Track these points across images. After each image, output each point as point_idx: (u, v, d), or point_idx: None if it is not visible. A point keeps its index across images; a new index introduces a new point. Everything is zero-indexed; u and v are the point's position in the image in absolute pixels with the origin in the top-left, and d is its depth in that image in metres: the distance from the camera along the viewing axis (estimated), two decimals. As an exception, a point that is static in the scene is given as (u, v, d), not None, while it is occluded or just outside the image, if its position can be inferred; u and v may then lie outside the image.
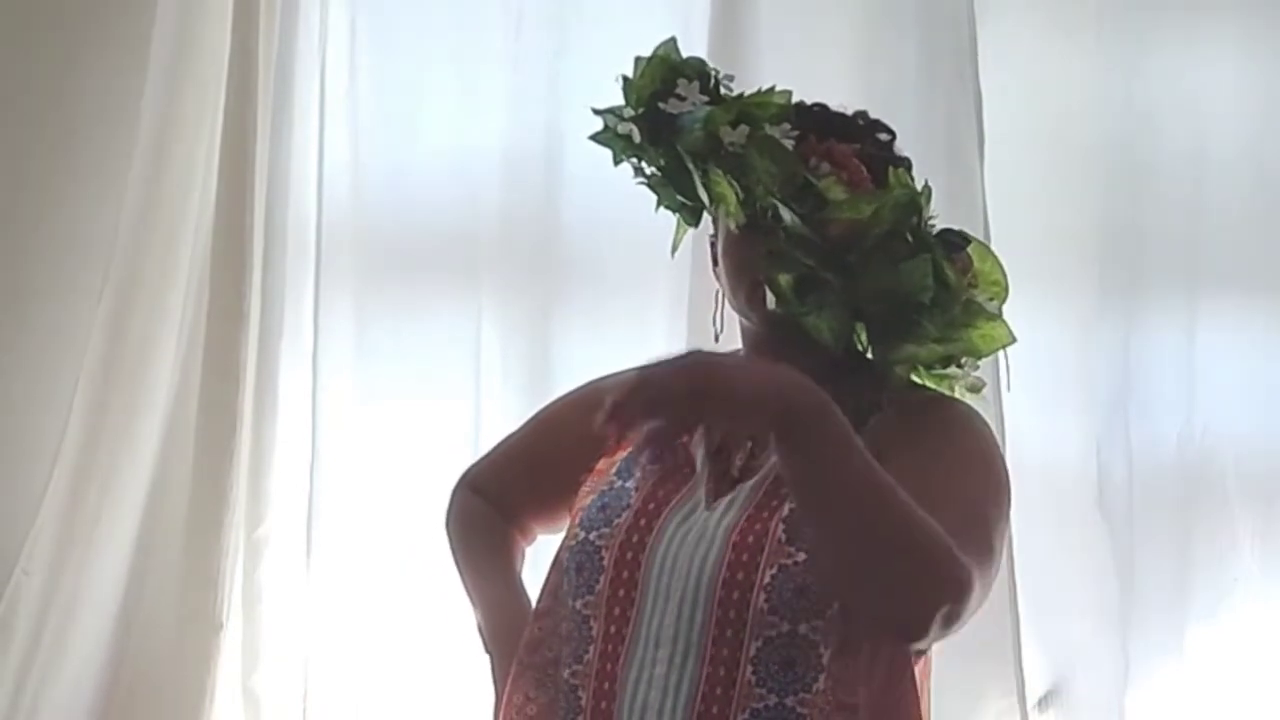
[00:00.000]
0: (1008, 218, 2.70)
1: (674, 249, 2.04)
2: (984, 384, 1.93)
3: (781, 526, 1.76)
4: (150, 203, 2.80)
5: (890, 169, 1.83)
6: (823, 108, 1.92)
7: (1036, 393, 2.69)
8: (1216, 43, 2.85)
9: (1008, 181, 2.74)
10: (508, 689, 1.89)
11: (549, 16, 2.84)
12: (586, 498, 1.89)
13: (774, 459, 1.80)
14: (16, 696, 2.74)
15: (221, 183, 2.77)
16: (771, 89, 1.89)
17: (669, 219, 2.03)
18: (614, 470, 1.90)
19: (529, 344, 2.82)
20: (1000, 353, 1.93)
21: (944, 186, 2.60)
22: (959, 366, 1.92)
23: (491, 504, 2.08)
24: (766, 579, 1.74)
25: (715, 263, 1.95)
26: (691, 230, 2.03)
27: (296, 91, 2.80)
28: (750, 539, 1.76)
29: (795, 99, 1.91)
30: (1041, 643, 2.74)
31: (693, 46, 1.99)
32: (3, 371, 2.88)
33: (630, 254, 2.74)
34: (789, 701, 1.72)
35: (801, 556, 1.74)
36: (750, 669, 1.73)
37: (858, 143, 1.87)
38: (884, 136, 1.92)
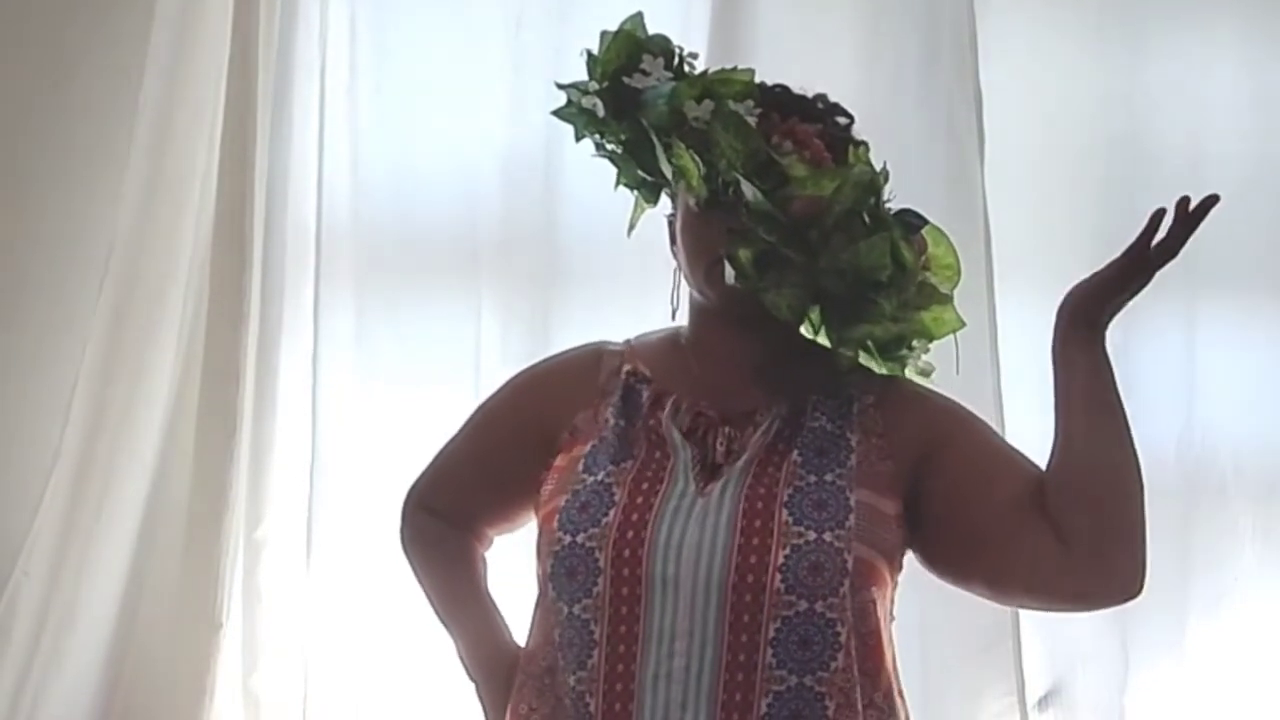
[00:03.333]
0: (1008, 217, 2.70)
1: (630, 228, 2.03)
2: (933, 368, 1.94)
3: (785, 511, 1.77)
4: (150, 202, 2.80)
5: (850, 147, 1.84)
6: (784, 89, 1.91)
7: (1036, 392, 2.68)
8: (1217, 41, 2.85)
9: (1008, 180, 2.74)
10: (512, 700, 1.88)
11: (549, 17, 2.84)
12: (558, 498, 1.86)
13: (757, 439, 1.82)
14: (16, 697, 2.75)
15: (221, 182, 2.78)
16: (734, 68, 1.89)
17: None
18: (581, 467, 1.87)
19: (528, 345, 2.81)
20: (953, 337, 1.92)
21: (944, 186, 2.63)
22: (909, 349, 1.92)
23: (445, 518, 2.03)
24: (780, 559, 1.74)
25: (673, 241, 1.94)
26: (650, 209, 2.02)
27: (296, 91, 2.80)
28: (757, 522, 1.77)
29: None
30: (1041, 643, 2.74)
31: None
32: (2, 372, 2.87)
33: (628, 250, 2.72)
34: (808, 681, 1.74)
35: (812, 535, 1.76)
36: (770, 651, 1.74)
37: (820, 123, 1.87)
38: (843, 120, 1.91)
